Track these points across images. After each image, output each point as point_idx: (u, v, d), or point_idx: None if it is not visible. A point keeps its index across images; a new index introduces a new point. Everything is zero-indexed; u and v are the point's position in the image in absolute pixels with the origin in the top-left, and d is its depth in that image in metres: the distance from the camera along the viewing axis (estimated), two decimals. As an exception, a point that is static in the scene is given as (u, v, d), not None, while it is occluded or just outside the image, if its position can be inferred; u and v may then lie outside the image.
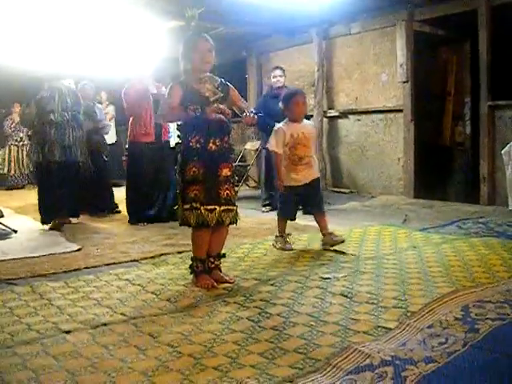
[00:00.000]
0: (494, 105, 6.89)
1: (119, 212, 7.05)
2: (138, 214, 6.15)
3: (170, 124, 6.22)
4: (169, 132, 6.60)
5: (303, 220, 5.20)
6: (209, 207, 3.38)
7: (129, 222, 6.20)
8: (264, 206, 7.07)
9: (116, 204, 7.21)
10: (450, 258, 3.97)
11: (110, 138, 9.84)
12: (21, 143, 11.58)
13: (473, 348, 2.25)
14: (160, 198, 6.19)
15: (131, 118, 6.21)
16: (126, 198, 6.33)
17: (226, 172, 3.47)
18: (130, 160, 6.34)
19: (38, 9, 6.95)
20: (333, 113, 8.95)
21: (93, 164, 6.78)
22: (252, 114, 3.52)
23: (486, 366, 2.10)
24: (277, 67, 7.22)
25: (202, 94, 3.45)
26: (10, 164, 11.60)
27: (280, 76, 7.06)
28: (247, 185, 9.80)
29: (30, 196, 9.79)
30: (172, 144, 6.56)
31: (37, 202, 5.99)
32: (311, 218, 4.67)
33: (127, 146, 6.43)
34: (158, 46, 8.72)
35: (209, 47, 3.49)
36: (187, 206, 3.40)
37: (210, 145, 3.41)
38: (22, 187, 11.57)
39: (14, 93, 11.54)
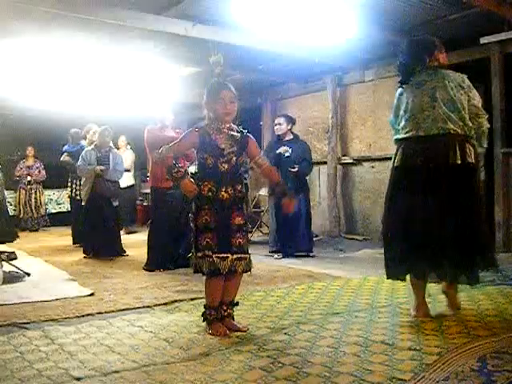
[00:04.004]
0: (507, 152, 6.88)
1: (127, 255, 7.06)
2: (158, 262, 6.07)
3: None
4: None
5: (318, 268, 5.15)
6: (221, 255, 3.37)
7: (144, 267, 6.10)
8: (272, 252, 7.03)
9: (123, 249, 7.25)
10: (464, 307, 3.90)
11: (127, 180, 9.90)
12: (29, 187, 11.68)
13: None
14: (177, 245, 6.08)
15: (151, 163, 6.22)
16: (149, 244, 6.24)
17: (238, 220, 3.47)
18: (154, 206, 6.35)
19: (59, 52, 7.17)
20: (347, 159, 8.98)
21: (103, 210, 6.96)
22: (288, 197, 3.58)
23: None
24: (281, 115, 7.21)
25: (218, 146, 3.46)
26: (20, 207, 11.66)
27: (280, 124, 7.04)
28: (261, 231, 9.77)
29: (44, 239, 9.89)
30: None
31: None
32: (323, 265, 4.60)
33: (149, 192, 6.48)
34: (174, 92, 8.90)
35: (231, 97, 3.49)
36: (200, 254, 3.40)
37: (222, 193, 3.41)
38: (36, 230, 11.60)
39: (29, 135, 11.79)
